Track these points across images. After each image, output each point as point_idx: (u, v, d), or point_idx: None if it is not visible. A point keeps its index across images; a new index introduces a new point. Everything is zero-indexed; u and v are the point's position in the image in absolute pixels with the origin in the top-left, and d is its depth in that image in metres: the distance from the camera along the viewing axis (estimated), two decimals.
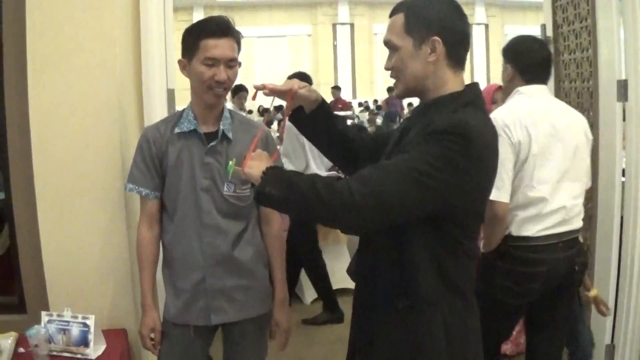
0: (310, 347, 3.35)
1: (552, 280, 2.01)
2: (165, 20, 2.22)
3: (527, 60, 2.09)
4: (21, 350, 1.83)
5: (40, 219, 1.96)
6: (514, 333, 2.79)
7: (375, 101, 14.66)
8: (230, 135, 1.75)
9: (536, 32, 3.13)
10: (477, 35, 16.77)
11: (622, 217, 2.56)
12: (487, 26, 17.38)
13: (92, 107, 1.94)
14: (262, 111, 11.09)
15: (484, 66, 18.34)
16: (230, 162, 1.43)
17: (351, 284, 1.55)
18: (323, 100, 1.54)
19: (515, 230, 2.00)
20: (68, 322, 1.82)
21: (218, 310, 1.76)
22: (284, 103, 1.51)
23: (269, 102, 1.66)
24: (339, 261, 4.03)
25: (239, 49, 1.71)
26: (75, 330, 1.81)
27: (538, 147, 1.97)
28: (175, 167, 1.74)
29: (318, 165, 3.71)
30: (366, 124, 9.73)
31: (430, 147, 1.22)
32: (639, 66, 2.43)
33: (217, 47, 1.64)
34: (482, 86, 2.22)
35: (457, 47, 1.35)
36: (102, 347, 1.85)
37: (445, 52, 1.32)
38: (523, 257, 1.99)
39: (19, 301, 2.07)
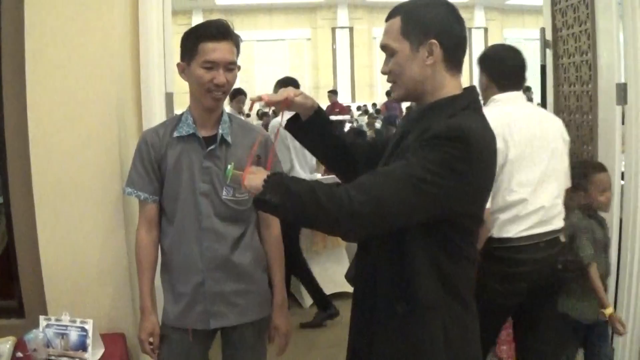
0: (309, 351, 3.35)
1: (536, 280, 2.06)
2: (164, 23, 2.22)
3: (501, 69, 2.16)
4: (19, 354, 1.82)
5: (38, 222, 1.96)
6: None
7: (375, 105, 14.66)
8: (229, 139, 1.74)
9: (535, 35, 3.14)
10: (476, 39, 16.73)
11: (621, 220, 2.57)
12: (486, 30, 17.35)
13: (91, 111, 1.94)
14: (261, 115, 11.09)
15: None
16: (229, 166, 1.42)
17: (350, 288, 1.55)
18: (319, 107, 1.54)
19: (497, 232, 2.06)
20: (66, 326, 1.81)
21: (217, 314, 1.76)
22: None
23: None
24: (338, 265, 4.03)
25: (238, 53, 1.71)
26: (73, 335, 1.81)
27: (515, 153, 2.03)
28: (174, 171, 1.73)
29: (302, 166, 3.80)
30: (365, 128, 9.73)
31: (428, 152, 1.22)
32: (638, 69, 2.45)
33: (216, 50, 1.64)
34: None
35: (455, 50, 1.35)
36: (100, 352, 1.85)
37: (443, 55, 1.32)
38: (505, 257, 2.05)
39: (18, 305, 2.07)
